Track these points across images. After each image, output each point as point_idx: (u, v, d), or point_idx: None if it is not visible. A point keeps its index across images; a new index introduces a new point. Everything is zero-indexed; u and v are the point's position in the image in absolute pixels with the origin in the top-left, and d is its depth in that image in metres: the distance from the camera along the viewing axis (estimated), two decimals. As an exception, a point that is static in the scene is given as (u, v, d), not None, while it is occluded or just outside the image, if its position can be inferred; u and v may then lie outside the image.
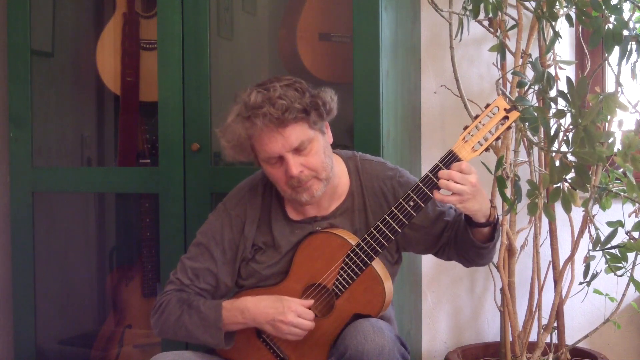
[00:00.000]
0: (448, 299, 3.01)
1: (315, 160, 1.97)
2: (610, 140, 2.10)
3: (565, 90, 2.08)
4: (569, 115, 2.10)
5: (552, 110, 2.19)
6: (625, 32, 2.09)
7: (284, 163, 1.95)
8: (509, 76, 2.65)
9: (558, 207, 2.41)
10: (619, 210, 2.44)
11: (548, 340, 2.70)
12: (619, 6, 2.12)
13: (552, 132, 2.18)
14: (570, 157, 2.07)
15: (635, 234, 2.37)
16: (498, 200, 2.46)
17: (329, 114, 1.99)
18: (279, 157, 1.95)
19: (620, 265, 2.28)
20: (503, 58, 2.45)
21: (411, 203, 1.93)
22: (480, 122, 1.90)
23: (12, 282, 2.82)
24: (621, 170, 2.33)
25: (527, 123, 2.18)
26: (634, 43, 2.13)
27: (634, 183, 2.21)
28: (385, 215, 1.96)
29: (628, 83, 2.34)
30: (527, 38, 2.63)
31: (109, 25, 2.93)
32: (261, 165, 2.02)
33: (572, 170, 2.07)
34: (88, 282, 3.21)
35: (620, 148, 2.15)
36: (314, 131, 1.96)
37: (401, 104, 2.69)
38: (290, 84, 1.95)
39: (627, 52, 2.13)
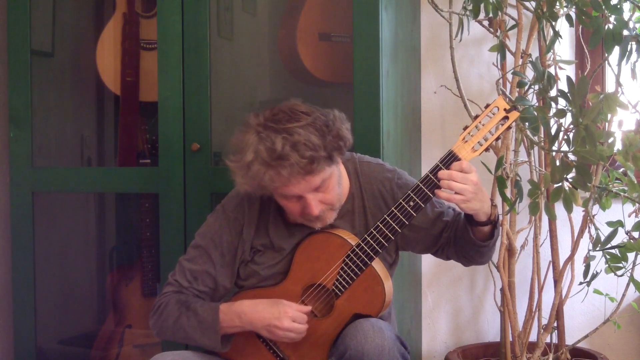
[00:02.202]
0: (448, 299, 3.01)
1: (332, 196, 1.97)
2: (610, 140, 2.10)
3: (566, 90, 2.08)
4: (569, 114, 2.10)
5: (553, 110, 2.19)
6: (625, 32, 2.09)
7: (303, 201, 1.94)
8: (509, 76, 2.65)
9: (558, 207, 2.41)
10: (619, 210, 2.44)
11: (548, 340, 2.70)
12: (619, 6, 2.12)
13: (552, 132, 2.18)
14: (571, 157, 2.07)
15: (635, 234, 2.37)
16: (498, 200, 2.47)
17: (348, 148, 1.97)
18: (295, 196, 1.94)
19: (620, 265, 2.28)
20: (503, 58, 2.45)
21: (411, 203, 1.93)
22: (480, 122, 1.90)
23: (12, 282, 2.82)
24: (621, 170, 2.33)
25: (527, 123, 2.19)
26: (634, 43, 2.13)
27: (635, 182, 2.21)
28: (385, 216, 1.96)
29: (628, 83, 2.34)
30: (527, 38, 2.64)
31: (109, 25, 2.93)
32: (274, 195, 1.99)
33: (573, 169, 2.07)
34: (88, 282, 3.21)
35: (620, 148, 2.15)
36: (332, 167, 1.94)
37: (401, 104, 2.69)
38: (310, 123, 1.89)
39: (627, 52, 2.13)
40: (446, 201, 1.94)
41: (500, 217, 2.57)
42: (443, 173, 1.88)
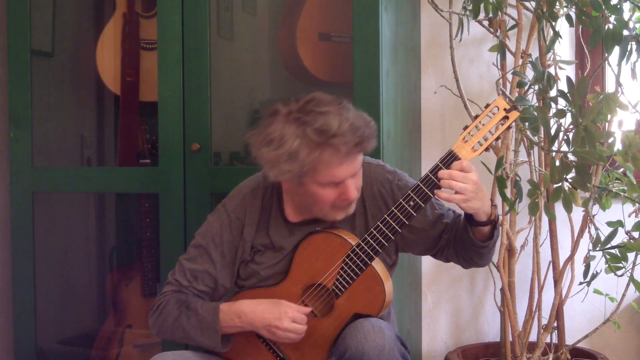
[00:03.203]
0: (448, 299, 3.01)
1: (360, 181, 2.00)
2: (610, 141, 2.10)
3: (566, 90, 2.08)
4: (569, 115, 2.10)
5: (552, 110, 2.19)
6: (625, 32, 2.10)
7: (341, 186, 1.94)
8: (509, 76, 2.65)
9: (558, 207, 2.41)
10: (619, 210, 2.44)
11: (548, 340, 2.70)
12: (619, 6, 2.13)
13: (552, 132, 2.18)
14: (571, 157, 2.07)
15: (635, 234, 2.37)
16: (498, 200, 2.47)
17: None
18: (335, 182, 1.94)
19: (620, 265, 2.28)
20: (503, 58, 2.45)
21: (411, 203, 1.93)
22: (480, 122, 1.90)
23: (12, 282, 2.82)
24: (622, 170, 2.33)
25: (527, 123, 2.19)
26: (634, 43, 2.13)
27: (635, 182, 2.21)
28: (386, 215, 1.95)
29: (628, 83, 2.34)
30: (527, 38, 2.64)
31: (109, 25, 2.93)
32: (306, 187, 1.95)
33: (573, 169, 2.07)
34: (88, 282, 3.21)
35: (620, 148, 2.15)
36: None
37: (401, 104, 2.69)
38: (345, 107, 1.92)
39: (627, 52, 2.13)
40: (446, 201, 1.94)
41: (500, 217, 2.57)
42: (443, 173, 1.88)
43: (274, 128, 1.91)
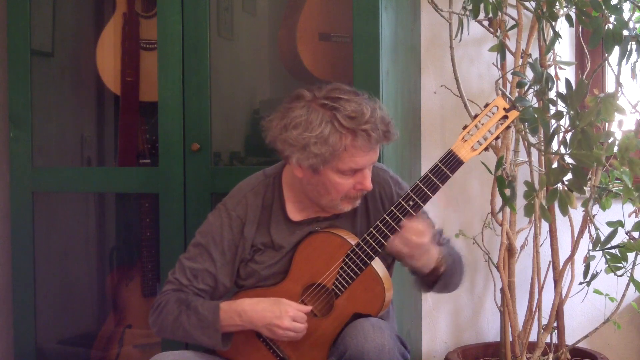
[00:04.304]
0: (448, 299, 3.01)
1: (370, 174, 2.01)
2: (610, 141, 2.10)
3: (564, 92, 2.08)
4: (567, 117, 2.10)
5: (551, 111, 2.19)
6: (625, 32, 2.09)
7: (358, 176, 1.95)
8: (509, 76, 2.65)
9: (557, 208, 2.41)
10: (619, 210, 2.44)
11: (548, 340, 2.70)
12: (619, 6, 2.12)
13: (550, 134, 2.18)
14: (568, 159, 2.07)
15: (635, 234, 2.37)
16: (498, 200, 2.46)
17: None
18: (354, 170, 1.95)
19: (620, 265, 2.28)
20: (503, 58, 2.45)
21: (410, 203, 1.94)
22: (479, 122, 1.91)
23: (12, 282, 2.82)
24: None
25: (526, 123, 2.18)
26: (634, 43, 2.13)
27: (630, 186, 2.20)
28: (385, 215, 1.96)
29: (628, 83, 2.34)
30: (527, 38, 2.64)
31: (109, 25, 2.93)
32: (323, 175, 1.95)
33: (570, 172, 2.07)
34: (88, 282, 3.21)
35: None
36: None
37: (401, 104, 2.69)
38: (372, 98, 1.97)
39: (627, 52, 2.13)
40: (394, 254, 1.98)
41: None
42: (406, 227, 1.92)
43: (299, 112, 1.92)
